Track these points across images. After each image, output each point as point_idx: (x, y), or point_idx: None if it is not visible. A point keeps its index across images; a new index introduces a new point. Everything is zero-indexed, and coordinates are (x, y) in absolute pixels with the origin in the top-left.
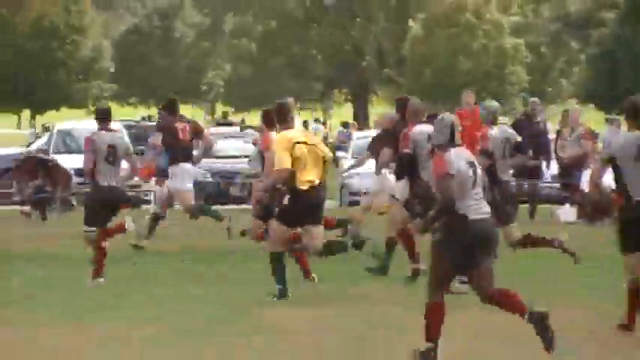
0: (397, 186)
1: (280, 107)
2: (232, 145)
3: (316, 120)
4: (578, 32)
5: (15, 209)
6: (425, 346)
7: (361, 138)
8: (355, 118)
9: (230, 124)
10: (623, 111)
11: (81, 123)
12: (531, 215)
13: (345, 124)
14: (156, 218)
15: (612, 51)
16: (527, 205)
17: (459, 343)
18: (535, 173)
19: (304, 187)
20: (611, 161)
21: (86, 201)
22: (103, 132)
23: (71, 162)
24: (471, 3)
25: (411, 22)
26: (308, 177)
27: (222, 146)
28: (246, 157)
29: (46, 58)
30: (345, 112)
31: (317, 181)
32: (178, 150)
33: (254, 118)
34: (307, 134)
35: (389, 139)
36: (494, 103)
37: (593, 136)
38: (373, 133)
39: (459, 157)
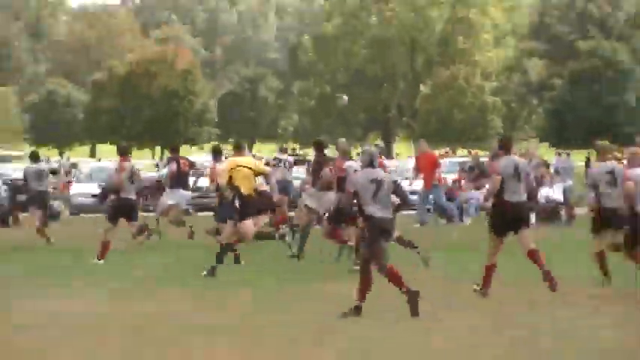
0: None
1: (237, 144)
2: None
3: (358, 154)
4: (537, 93)
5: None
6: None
7: (388, 167)
8: (384, 153)
9: (297, 157)
10: (499, 146)
11: (193, 157)
12: None
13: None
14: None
15: (560, 107)
16: None
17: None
18: None
19: (248, 193)
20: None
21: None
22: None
23: None
24: (463, 73)
25: (422, 87)
26: (250, 187)
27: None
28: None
29: (170, 112)
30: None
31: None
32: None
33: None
34: (248, 160)
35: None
36: (373, 148)
37: (545, 164)
38: (396, 162)
39: (366, 175)
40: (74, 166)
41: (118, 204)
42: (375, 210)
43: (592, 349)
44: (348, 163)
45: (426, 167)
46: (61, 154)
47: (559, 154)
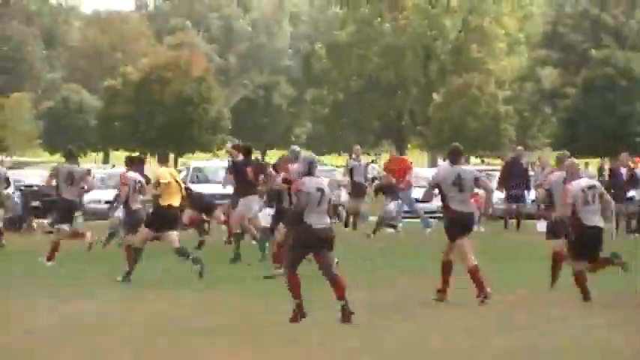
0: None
1: (160, 155)
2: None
3: (373, 161)
4: (550, 102)
5: None
6: (294, 302)
7: None
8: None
9: None
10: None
11: (208, 162)
12: (518, 227)
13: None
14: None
15: (573, 115)
16: (515, 220)
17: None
18: (521, 198)
19: (165, 204)
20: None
21: None
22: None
23: (202, 189)
24: (476, 81)
25: (435, 95)
26: (170, 199)
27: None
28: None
29: (184, 119)
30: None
31: (176, 203)
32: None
33: (327, 159)
34: (172, 172)
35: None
36: (309, 154)
37: None
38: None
39: (310, 183)
40: (88, 172)
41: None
42: (314, 218)
43: (592, 349)
44: (293, 168)
45: (399, 171)
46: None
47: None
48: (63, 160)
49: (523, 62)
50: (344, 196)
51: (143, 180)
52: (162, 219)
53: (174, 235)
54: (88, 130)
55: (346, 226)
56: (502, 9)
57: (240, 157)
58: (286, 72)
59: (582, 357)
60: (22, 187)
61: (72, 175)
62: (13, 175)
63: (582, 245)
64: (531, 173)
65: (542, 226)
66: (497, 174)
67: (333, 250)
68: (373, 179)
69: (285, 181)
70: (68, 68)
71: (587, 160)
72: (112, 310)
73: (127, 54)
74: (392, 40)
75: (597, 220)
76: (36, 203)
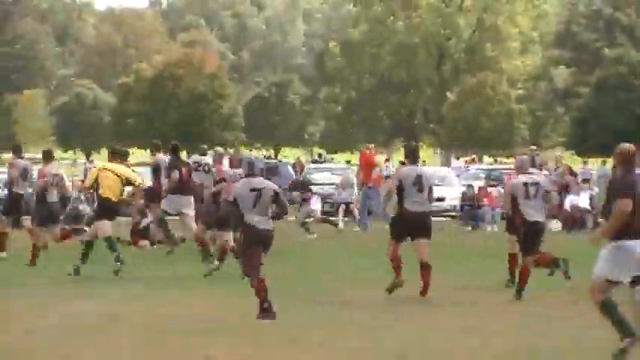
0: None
1: (113, 150)
2: (325, 176)
3: (387, 160)
4: (563, 101)
5: None
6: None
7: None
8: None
9: (323, 162)
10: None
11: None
12: None
13: (402, 163)
14: None
15: (586, 114)
16: None
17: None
18: None
19: (107, 197)
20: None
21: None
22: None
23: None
24: (490, 80)
25: (448, 93)
26: (109, 192)
27: (318, 177)
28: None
29: (198, 115)
30: (402, 155)
31: (114, 196)
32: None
33: (340, 157)
34: (118, 167)
35: None
36: (257, 159)
37: (572, 172)
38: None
39: (245, 185)
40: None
41: None
42: (253, 219)
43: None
44: (226, 170)
45: (365, 167)
46: (87, 156)
47: (585, 162)
48: (76, 156)
49: (536, 61)
50: (356, 194)
51: (61, 173)
52: (102, 209)
53: (107, 224)
54: (101, 127)
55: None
56: (516, 8)
57: (163, 156)
58: (299, 70)
59: (582, 357)
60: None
61: (27, 170)
62: None
63: (526, 240)
64: (545, 172)
65: (555, 225)
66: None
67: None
68: (387, 177)
69: (220, 180)
70: (82, 65)
71: (604, 158)
72: (112, 310)
73: (141, 51)
74: (405, 39)
75: (538, 216)
76: None
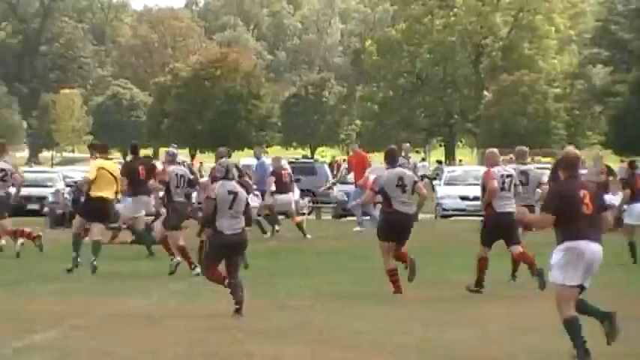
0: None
1: (99, 145)
2: None
3: (422, 159)
4: (600, 100)
5: None
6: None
7: (450, 172)
8: (446, 158)
9: None
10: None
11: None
12: None
13: (439, 162)
14: None
15: (623, 114)
16: None
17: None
18: None
19: (95, 196)
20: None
21: None
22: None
23: None
24: (527, 79)
25: (485, 92)
26: (101, 191)
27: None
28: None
29: (235, 115)
30: (439, 154)
31: (107, 195)
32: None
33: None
34: (109, 164)
35: None
36: (230, 160)
37: (609, 171)
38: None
39: (223, 187)
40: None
41: None
42: (223, 224)
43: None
44: (169, 169)
45: (356, 167)
46: (124, 156)
47: (622, 161)
48: (110, 155)
49: (574, 60)
50: None
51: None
52: (91, 209)
53: (97, 227)
54: (137, 126)
55: None
56: (553, 6)
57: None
58: (336, 69)
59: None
60: (73, 183)
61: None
62: (63, 171)
63: (490, 231)
64: (583, 172)
65: None
66: (548, 172)
67: (244, 253)
68: (422, 177)
69: (162, 182)
70: (118, 65)
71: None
72: (153, 307)
73: (177, 50)
74: (442, 38)
75: (508, 207)
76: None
